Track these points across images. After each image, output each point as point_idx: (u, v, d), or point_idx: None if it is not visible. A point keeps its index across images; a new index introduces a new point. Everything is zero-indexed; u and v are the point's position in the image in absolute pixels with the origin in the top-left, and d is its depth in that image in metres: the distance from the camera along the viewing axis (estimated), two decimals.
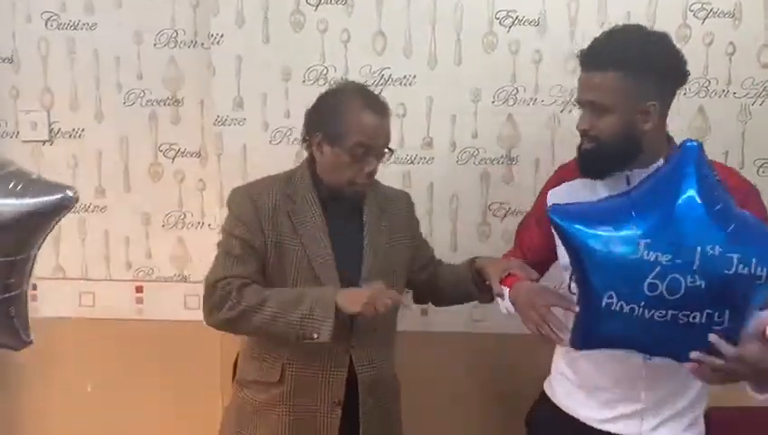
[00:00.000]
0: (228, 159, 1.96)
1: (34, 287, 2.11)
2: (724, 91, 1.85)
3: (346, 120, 1.44)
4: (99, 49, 2.06)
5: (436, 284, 1.67)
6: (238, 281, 1.44)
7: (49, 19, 2.06)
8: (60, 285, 2.13)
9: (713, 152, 1.86)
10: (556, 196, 1.49)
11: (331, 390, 1.49)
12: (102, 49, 2.06)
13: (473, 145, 1.91)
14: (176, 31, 2.03)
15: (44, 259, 2.12)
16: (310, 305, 1.39)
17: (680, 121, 1.87)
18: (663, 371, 1.37)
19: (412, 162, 1.94)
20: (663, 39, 1.35)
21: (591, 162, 1.40)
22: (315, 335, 1.38)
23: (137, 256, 2.11)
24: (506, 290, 1.45)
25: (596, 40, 1.38)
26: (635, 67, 1.30)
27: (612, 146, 1.35)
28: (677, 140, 1.30)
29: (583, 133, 1.39)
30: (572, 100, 1.86)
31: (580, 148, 1.42)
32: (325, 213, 1.50)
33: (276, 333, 1.42)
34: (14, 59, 2.08)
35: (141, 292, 2.12)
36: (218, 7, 1.91)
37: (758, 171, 1.88)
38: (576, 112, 1.85)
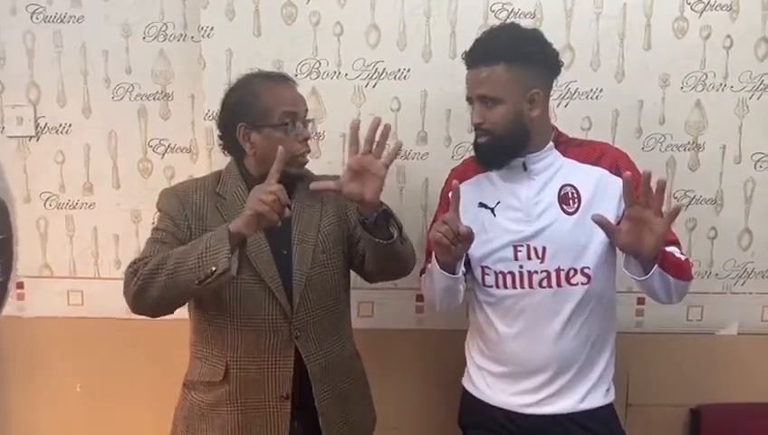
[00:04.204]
0: (219, 155, 1.89)
1: (21, 286, 2.09)
2: (721, 84, 1.84)
3: (264, 100, 1.47)
4: (86, 42, 2.01)
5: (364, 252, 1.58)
6: (148, 258, 1.39)
7: (35, 12, 2.01)
8: (47, 283, 2.08)
9: (710, 146, 1.88)
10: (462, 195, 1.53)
11: (278, 384, 1.45)
12: (90, 42, 2.01)
13: (468, 140, 1.87)
14: (165, 24, 2.00)
15: (31, 258, 2.08)
16: (205, 244, 1.32)
17: (677, 115, 1.87)
18: (569, 344, 1.47)
19: (406, 157, 1.91)
20: (536, 33, 1.48)
21: (489, 154, 1.49)
22: (213, 268, 1.28)
23: (126, 254, 2.06)
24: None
25: (479, 39, 1.48)
26: (518, 58, 1.42)
27: (505, 136, 1.45)
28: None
29: (477, 127, 1.47)
30: (568, 92, 1.86)
31: (475, 143, 1.51)
32: None
33: (181, 285, 1.32)
34: None
35: None
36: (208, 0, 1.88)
37: (755, 166, 1.87)
38: (573, 105, 1.86)
